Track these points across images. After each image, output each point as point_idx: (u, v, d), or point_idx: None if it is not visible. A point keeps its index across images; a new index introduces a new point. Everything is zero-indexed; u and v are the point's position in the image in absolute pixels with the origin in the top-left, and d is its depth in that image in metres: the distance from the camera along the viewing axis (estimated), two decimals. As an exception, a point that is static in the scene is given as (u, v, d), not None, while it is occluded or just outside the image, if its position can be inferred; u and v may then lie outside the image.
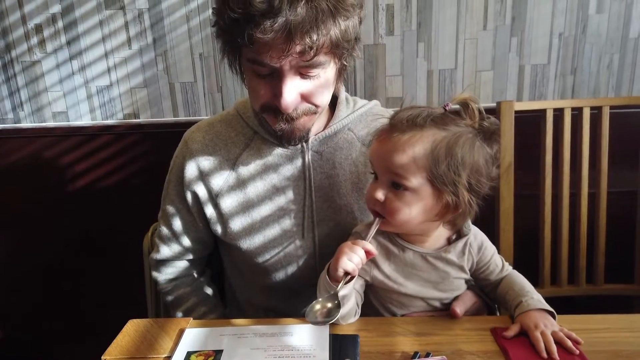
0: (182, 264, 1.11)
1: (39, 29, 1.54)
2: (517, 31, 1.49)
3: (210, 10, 1.50)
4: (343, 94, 1.03)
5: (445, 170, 0.77)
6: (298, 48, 0.76)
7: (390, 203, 0.80)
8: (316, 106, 0.88)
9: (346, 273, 0.78)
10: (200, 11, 1.51)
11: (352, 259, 0.78)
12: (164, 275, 1.10)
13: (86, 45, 1.55)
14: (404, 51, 1.52)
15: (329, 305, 0.79)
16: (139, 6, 1.51)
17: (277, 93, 0.83)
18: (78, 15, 1.52)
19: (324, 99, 0.89)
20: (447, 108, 0.81)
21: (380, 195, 0.81)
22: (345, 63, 0.87)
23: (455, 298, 0.91)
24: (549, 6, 1.47)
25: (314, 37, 0.75)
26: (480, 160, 0.79)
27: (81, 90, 1.59)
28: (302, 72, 0.82)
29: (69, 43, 1.55)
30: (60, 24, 1.53)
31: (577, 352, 0.74)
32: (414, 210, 0.80)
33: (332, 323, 0.84)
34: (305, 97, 0.86)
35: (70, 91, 1.59)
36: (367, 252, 0.80)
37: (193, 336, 0.84)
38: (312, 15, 0.74)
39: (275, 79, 0.83)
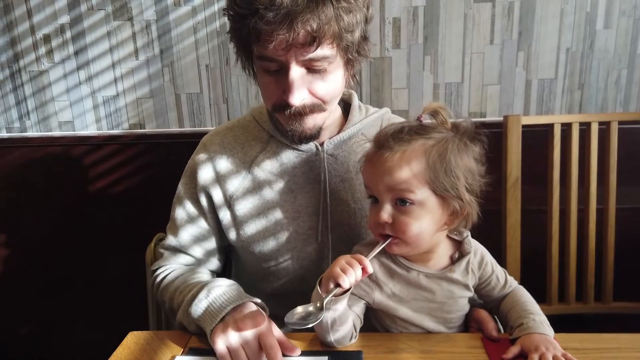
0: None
1: (47, 39, 1.55)
2: (524, 46, 1.49)
3: (218, 23, 1.51)
4: (356, 101, 1.05)
5: (444, 176, 0.78)
6: (301, 38, 0.79)
7: (400, 221, 0.79)
8: (324, 102, 0.89)
9: (337, 285, 0.75)
10: (208, 23, 1.51)
11: (345, 270, 0.75)
12: (162, 272, 1.05)
13: (93, 55, 1.56)
14: (410, 64, 1.52)
15: (311, 309, 0.76)
16: (147, 17, 1.52)
17: (286, 88, 0.85)
18: (86, 25, 1.53)
19: (332, 95, 0.90)
20: (422, 119, 0.83)
21: (386, 217, 0.79)
22: (351, 57, 0.88)
23: (471, 319, 0.90)
24: (556, 21, 1.47)
25: (314, 25, 0.78)
26: (470, 160, 0.81)
27: (87, 100, 1.60)
28: (308, 65, 0.84)
29: (76, 53, 1.56)
30: (68, 34, 1.54)
31: None
32: (424, 223, 0.79)
33: (330, 348, 0.82)
34: (312, 91, 0.87)
35: (76, 101, 1.60)
36: (363, 270, 0.76)
37: None
38: (312, 4, 0.78)
39: (283, 74, 0.85)
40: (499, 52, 1.50)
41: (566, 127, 1.32)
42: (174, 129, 1.61)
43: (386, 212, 0.79)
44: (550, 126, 1.32)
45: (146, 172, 1.61)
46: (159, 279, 1.04)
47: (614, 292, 1.37)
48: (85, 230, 1.70)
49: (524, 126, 1.31)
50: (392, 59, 1.52)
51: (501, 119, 1.35)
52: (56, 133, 1.63)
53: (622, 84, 1.51)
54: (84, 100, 1.60)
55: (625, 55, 1.49)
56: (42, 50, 1.56)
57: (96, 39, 1.55)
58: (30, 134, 1.64)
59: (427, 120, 0.83)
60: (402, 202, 0.79)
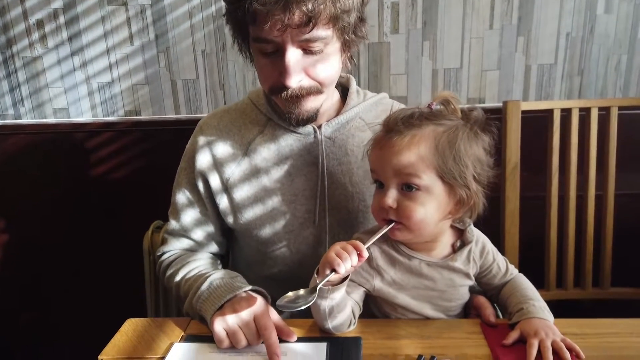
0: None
1: (40, 24, 1.52)
2: (524, 31, 1.47)
3: (214, 8, 1.49)
4: (354, 85, 1.05)
5: (452, 164, 0.77)
6: (296, 18, 0.78)
7: (405, 206, 0.78)
8: (321, 84, 0.88)
9: (333, 270, 0.74)
10: (203, 8, 1.49)
11: (340, 256, 0.74)
12: (168, 254, 1.06)
13: (88, 41, 1.53)
14: (408, 50, 1.50)
15: (302, 293, 0.75)
16: (142, 2, 1.49)
17: (282, 70, 0.84)
18: (80, 10, 1.51)
19: (329, 76, 0.89)
20: (432, 107, 0.82)
21: (391, 201, 0.78)
22: (348, 38, 0.87)
23: (470, 306, 0.90)
24: (556, 6, 1.45)
25: (310, 5, 0.77)
26: (480, 149, 0.80)
27: (82, 86, 1.58)
28: (304, 46, 0.83)
29: (70, 39, 1.53)
30: (61, 19, 1.52)
31: None
32: (429, 208, 0.78)
33: (329, 334, 0.82)
34: (309, 73, 0.86)
35: (71, 87, 1.58)
36: (360, 256, 0.75)
37: (181, 351, 0.80)
38: None
39: (280, 56, 0.84)
40: (498, 37, 1.48)
41: (566, 113, 1.31)
42: (170, 116, 1.59)
43: (391, 197, 0.78)
44: (549, 112, 1.31)
45: (142, 159, 1.60)
46: (163, 265, 1.05)
47: (611, 278, 1.37)
48: (81, 218, 1.69)
49: (523, 112, 1.31)
50: (390, 44, 1.50)
51: (500, 104, 1.34)
52: (51, 120, 1.61)
53: (622, 69, 1.50)
54: (79, 87, 1.58)
55: (626, 41, 1.48)
56: (36, 35, 1.53)
57: (90, 24, 1.52)
58: (25, 121, 1.62)
59: (437, 107, 0.82)
60: (408, 188, 0.78)
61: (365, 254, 0.75)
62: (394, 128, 0.79)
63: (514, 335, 0.78)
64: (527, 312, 0.80)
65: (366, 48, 1.50)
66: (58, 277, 1.77)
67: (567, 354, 0.72)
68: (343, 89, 1.05)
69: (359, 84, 1.52)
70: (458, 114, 0.82)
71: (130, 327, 0.88)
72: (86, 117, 1.61)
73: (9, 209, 1.70)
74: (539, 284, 0.91)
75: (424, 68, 1.52)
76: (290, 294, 0.75)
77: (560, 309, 0.83)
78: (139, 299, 1.21)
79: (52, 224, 1.70)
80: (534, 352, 0.73)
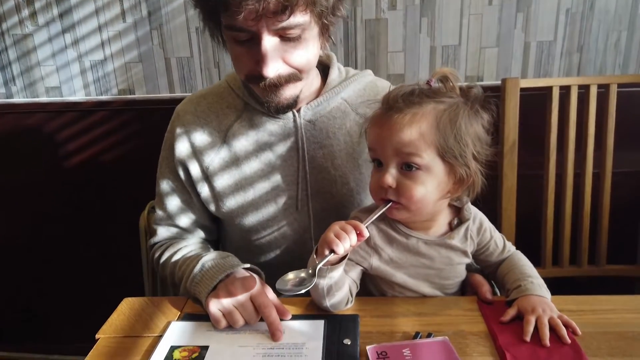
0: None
1: (29, 0, 1.49)
2: (523, 7, 1.45)
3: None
4: (334, 63, 1.00)
5: (453, 142, 0.76)
6: (272, 6, 0.74)
7: (404, 186, 0.77)
8: (300, 71, 0.85)
9: (332, 251, 0.73)
10: (197, -17, 1.46)
11: (340, 236, 0.74)
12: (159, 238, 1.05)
13: (79, 17, 1.50)
14: (406, 27, 1.48)
15: (303, 275, 0.75)
16: (133, -23, 1.46)
17: (259, 59, 0.80)
18: (70, -14, 1.47)
19: (308, 62, 0.86)
20: (431, 84, 0.80)
21: (390, 180, 0.77)
22: (326, 22, 0.84)
23: (467, 284, 0.90)
24: (556, -19, 1.43)
25: None
26: (480, 127, 0.79)
27: (74, 64, 1.55)
28: (281, 33, 0.79)
29: (61, 15, 1.50)
30: (52, -5, 1.48)
31: (570, 341, 0.71)
32: (429, 188, 0.77)
33: (326, 312, 0.82)
34: (287, 61, 0.83)
35: (63, 65, 1.55)
36: (359, 235, 0.75)
37: (178, 330, 0.80)
38: None
39: (255, 44, 0.80)
40: (497, 13, 1.46)
41: (564, 91, 1.30)
42: (165, 94, 1.57)
43: (391, 176, 0.77)
44: (548, 89, 1.30)
45: (137, 138, 1.58)
46: (156, 255, 1.04)
47: (607, 256, 1.38)
48: (76, 199, 1.68)
49: (521, 90, 1.29)
50: (387, 21, 1.48)
51: (498, 82, 1.33)
52: (43, 99, 1.59)
53: (622, 46, 1.48)
54: (71, 65, 1.55)
55: (626, 17, 1.46)
56: (26, 12, 1.50)
57: (81, 0, 1.49)
58: (17, 100, 1.59)
59: (435, 85, 0.81)
60: (407, 167, 0.77)
61: (366, 234, 0.75)
62: (394, 105, 0.77)
63: (511, 312, 0.78)
64: (525, 289, 0.80)
65: (363, 25, 1.48)
66: (54, 258, 1.77)
67: (564, 331, 0.72)
68: (323, 67, 1.00)
69: (355, 62, 1.51)
70: (457, 91, 0.81)
71: (127, 306, 0.88)
72: (79, 96, 1.58)
73: (1, 188, 1.68)
74: (535, 261, 0.91)
75: (422, 45, 1.49)
76: (290, 275, 0.75)
77: (555, 287, 0.83)
78: (136, 279, 1.21)
79: (45, 204, 1.69)
80: (530, 328, 0.73)
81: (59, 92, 1.58)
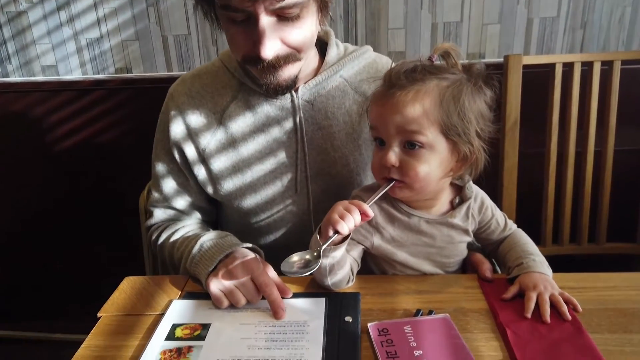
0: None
1: (23, -24, 1.46)
2: (527, -18, 1.43)
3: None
4: (333, 39, 0.97)
5: (457, 119, 0.75)
6: None
7: (408, 164, 0.76)
8: (298, 51, 0.82)
9: (336, 231, 0.73)
10: (194, -42, 1.43)
11: (344, 216, 0.73)
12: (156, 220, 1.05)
13: (74, -6, 1.48)
14: (407, 3, 1.45)
15: (308, 257, 0.74)
16: (129, -48, 1.43)
17: (256, 40, 0.77)
18: (64, -39, 1.44)
19: (307, 42, 0.83)
20: (433, 59, 0.79)
21: (393, 159, 0.76)
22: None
23: (468, 263, 0.90)
24: (560, -45, 1.40)
25: None
26: (483, 104, 0.78)
27: (70, 42, 1.53)
28: (279, 13, 0.76)
29: (55, -8, 1.47)
30: (45, -29, 1.45)
31: (570, 318, 0.72)
32: (432, 166, 0.76)
33: (328, 290, 0.82)
34: (285, 41, 0.80)
35: (59, 44, 1.53)
36: (364, 215, 0.74)
37: (180, 308, 0.80)
38: None
39: (252, 24, 0.76)
40: (500, -12, 1.43)
41: (567, 68, 1.28)
42: (163, 73, 1.55)
43: (394, 155, 0.76)
44: (551, 67, 1.28)
45: (135, 118, 1.57)
46: (154, 237, 1.03)
47: (607, 233, 1.38)
48: (74, 179, 1.67)
49: (524, 67, 1.28)
50: (388, -3, 1.45)
51: (500, 60, 1.31)
52: (39, 78, 1.57)
53: (626, 22, 1.46)
54: (67, 43, 1.53)
55: (631, -8, 1.43)
56: (19, -11, 1.47)
57: (76, -23, 1.46)
58: (13, 79, 1.57)
59: (437, 61, 0.79)
60: (410, 145, 0.76)
61: (371, 214, 0.75)
62: (397, 82, 0.76)
63: (513, 290, 0.78)
64: (527, 266, 0.80)
65: (363, 1, 1.45)
66: (54, 238, 1.77)
67: (565, 307, 0.73)
68: (321, 44, 0.97)
69: (355, 40, 1.49)
70: (459, 67, 0.79)
71: (128, 285, 0.88)
72: (76, 75, 1.56)
73: None
74: (535, 239, 0.91)
75: (423, 22, 1.47)
76: (295, 257, 0.74)
77: (554, 265, 0.83)
78: (136, 258, 1.21)
79: (44, 185, 1.69)
80: (531, 305, 0.74)
81: (55, 70, 1.56)
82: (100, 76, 1.56)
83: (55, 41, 1.53)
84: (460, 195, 0.87)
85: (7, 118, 1.60)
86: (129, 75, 1.55)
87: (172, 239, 0.96)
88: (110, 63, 1.55)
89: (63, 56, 1.54)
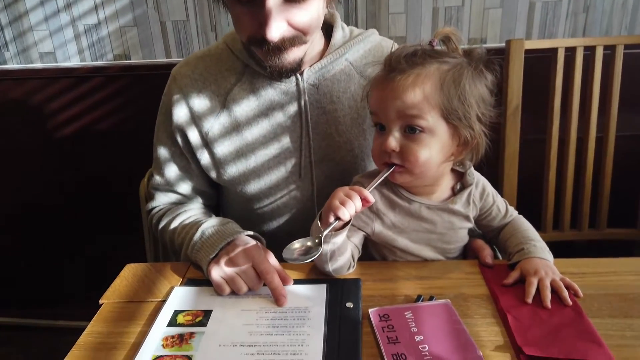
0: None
1: (19, -39, 1.44)
2: (529, -35, 1.41)
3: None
4: (339, 22, 0.96)
5: (458, 103, 0.74)
6: None
7: (408, 149, 0.76)
8: (304, 33, 0.82)
9: (337, 218, 0.73)
10: (192, -58, 1.41)
11: (344, 202, 0.73)
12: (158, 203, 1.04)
13: (70, -21, 1.46)
14: (408, -13, 1.44)
15: (309, 244, 0.74)
16: (126, -64, 1.41)
17: (262, 21, 0.77)
18: (60, -54, 1.42)
19: (313, 24, 0.82)
20: (434, 44, 0.78)
21: (394, 144, 0.76)
22: None
23: (469, 249, 0.90)
24: (564, -63, 1.38)
25: None
26: (484, 88, 0.77)
27: (68, 29, 1.51)
28: None
29: (52, -23, 1.46)
30: (41, -44, 1.43)
31: (571, 303, 0.72)
32: (433, 151, 0.76)
33: (329, 277, 0.82)
34: (291, 22, 0.79)
35: (56, 30, 1.51)
36: (364, 200, 0.74)
37: (182, 295, 0.80)
38: None
39: (258, 5, 0.75)
40: (502, -28, 1.41)
41: (570, 53, 1.27)
42: (161, 59, 1.54)
43: (394, 139, 0.76)
44: (553, 52, 1.27)
45: (135, 105, 1.56)
46: (154, 220, 1.03)
47: (608, 219, 1.38)
48: (73, 167, 1.67)
49: (526, 51, 1.27)
50: (389, -19, 1.43)
51: (502, 45, 1.30)
52: (38, 65, 1.56)
53: (629, 6, 1.44)
54: (64, 30, 1.51)
55: (634, -25, 1.41)
56: (15, -26, 1.46)
57: (72, -39, 1.44)
58: (10, 66, 1.56)
59: (438, 46, 0.79)
60: (411, 130, 0.75)
61: (371, 199, 0.74)
62: (397, 67, 0.75)
63: (514, 275, 0.78)
64: (528, 252, 0.80)
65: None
66: (54, 226, 1.77)
67: (566, 293, 0.73)
68: (326, 27, 0.96)
69: (355, 23, 1.47)
70: (459, 51, 0.79)
71: (129, 272, 0.89)
72: (74, 62, 1.55)
73: None
74: (536, 225, 0.91)
75: (424, 6, 1.45)
76: (296, 244, 0.74)
77: (554, 251, 0.83)
78: (137, 246, 1.22)
79: (42, 172, 1.68)
80: (532, 290, 0.74)
81: (54, 57, 1.55)
82: (99, 63, 1.54)
83: (53, 28, 1.51)
84: (461, 181, 0.87)
85: (5, 106, 1.59)
86: (128, 62, 1.54)
87: (173, 225, 0.96)
88: (108, 49, 1.53)
89: (61, 43, 1.53)
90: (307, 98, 0.92)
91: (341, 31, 0.96)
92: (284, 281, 0.80)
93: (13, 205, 1.75)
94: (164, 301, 0.79)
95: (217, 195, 1.10)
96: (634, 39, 1.31)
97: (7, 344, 1.89)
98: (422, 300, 0.76)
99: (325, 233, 0.73)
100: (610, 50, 1.27)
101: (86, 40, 1.52)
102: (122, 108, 1.57)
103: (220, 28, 1.49)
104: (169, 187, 1.02)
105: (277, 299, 0.77)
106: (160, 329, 0.72)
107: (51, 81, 1.55)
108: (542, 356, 0.63)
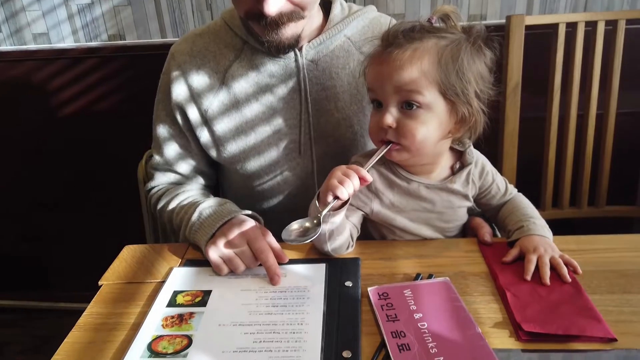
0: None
1: (8, -61, 1.41)
2: (530, -62, 1.38)
3: None
4: None
5: (455, 79, 0.73)
6: None
7: (405, 125, 0.75)
8: (302, 8, 0.81)
9: (335, 197, 0.72)
10: None
11: (342, 182, 0.72)
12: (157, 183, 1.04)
13: (62, -43, 1.43)
14: (407, -38, 1.41)
15: (308, 225, 0.74)
16: None
17: None
18: None
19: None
20: (432, 22, 0.77)
21: (390, 120, 0.75)
22: None
23: (468, 227, 0.90)
24: None
25: None
26: (482, 65, 0.76)
27: (61, 9, 1.48)
28: None
29: (42, -45, 1.43)
30: None
31: (570, 280, 0.72)
32: (430, 127, 0.75)
33: (328, 256, 0.82)
34: None
35: (49, 10, 1.49)
36: (362, 179, 0.74)
37: (181, 275, 0.80)
38: None
39: None
40: (502, -54, 1.38)
41: (571, 29, 1.25)
42: (157, 39, 1.51)
43: (391, 116, 0.75)
44: (554, 28, 1.25)
45: (131, 86, 1.54)
46: (153, 200, 1.03)
47: (607, 197, 1.38)
48: (70, 150, 1.66)
49: (526, 28, 1.25)
50: (387, -43, 1.41)
51: (502, 21, 1.28)
52: (31, 46, 1.53)
53: (631, -20, 1.42)
54: (57, 10, 1.49)
55: (638, -52, 1.38)
56: (5, -47, 1.43)
57: (63, -61, 1.41)
58: (3, 47, 1.54)
59: (437, 23, 0.78)
60: (408, 106, 0.75)
61: (369, 178, 0.74)
62: (394, 42, 0.74)
63: (513, 253, 0.78)
64: (527, 229, 0.80)
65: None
66: (53, 209, 1.77)
67: (565, 270, 0.73)
68: (325, 2, 0.96)
69: (352, 1, 1.44)
70: (458, 29, 0.77)
71: (128, 254, 0.89)
72: (68, 43, 1.53)
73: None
74: (535, 203, 0.91)
75: (423, -18, 1.43)
76: (294, 225, 0.74)
77: (553, 229, 0.83)
78: (136, 228, 1.21)
79: (38, 155, 1.68)
80: (531, 267, 0.74)
81: (47, 38, 1.52)
82: (93, 44, 1.52)
83: (45, 8, 1.49)
84: (460, 160, 0.87)
85: (1, 88, 1.57)
86: (123, 42, 1.52)
87: (171, 205, 0.96)
88: (102, 30, 1.51)
89: (54, 23, 1.50)
90: (306, 74, 0.92)
91: (340, 7, 0.95)
92: (280, 259, 0.80)
93: (10, 188, 1.75)
94: (163, 282, 0.79)
95: (217, 175, 1.09)
96: (636, 13, 1.29)
97: (12, 326, 1.91)
98: (421, 279, 0.76)
99: (324, 213, 0.73)
100: (611, 25, 1.25)
101: (80, 21, 1.50)
102: (118, 89, 1.55)
103: (215, 6, 1.47)
104: (168, 166, 1.02)
105: (271, 278, 0.77)
106: (160, 310, 0.72)
107: (46, 62, 1.53)
108: (541, 332, 0.63)
